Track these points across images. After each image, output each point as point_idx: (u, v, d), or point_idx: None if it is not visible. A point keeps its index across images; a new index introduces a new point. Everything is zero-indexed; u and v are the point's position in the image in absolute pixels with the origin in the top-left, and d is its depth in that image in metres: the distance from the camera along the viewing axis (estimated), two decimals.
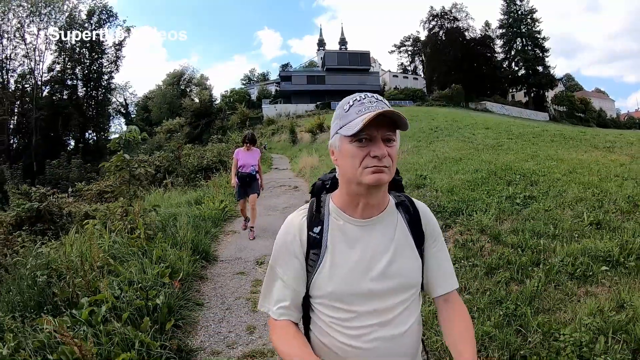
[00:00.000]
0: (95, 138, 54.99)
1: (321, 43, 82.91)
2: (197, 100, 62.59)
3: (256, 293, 4.35)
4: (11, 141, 46.66)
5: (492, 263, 4.07)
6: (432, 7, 67.26)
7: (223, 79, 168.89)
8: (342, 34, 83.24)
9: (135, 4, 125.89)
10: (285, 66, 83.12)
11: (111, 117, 61.17)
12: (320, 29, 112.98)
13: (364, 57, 66.26)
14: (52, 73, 50.30)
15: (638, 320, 2.96)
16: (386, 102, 1.11)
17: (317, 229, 1.18)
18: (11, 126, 47.06)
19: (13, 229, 7.22)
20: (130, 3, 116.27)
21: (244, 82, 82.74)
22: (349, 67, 64.03)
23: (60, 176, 27.54)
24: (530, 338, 2.91)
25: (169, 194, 9.63)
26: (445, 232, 5.22)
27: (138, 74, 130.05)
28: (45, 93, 49.93)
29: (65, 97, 51.69)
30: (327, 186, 1.30)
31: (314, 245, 1.17)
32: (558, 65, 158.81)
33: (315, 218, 1.20)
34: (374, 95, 1.12)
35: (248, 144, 6.94)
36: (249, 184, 6.87)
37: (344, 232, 1.17)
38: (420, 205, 1.29)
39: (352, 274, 1.14)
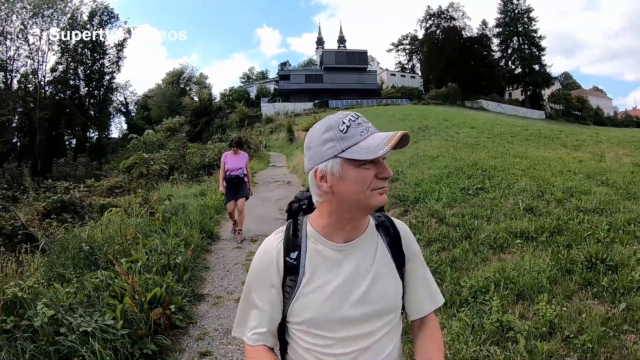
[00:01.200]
0: (97, 136, 56.01)
1: (320, 41, 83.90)
2: (196, 99, 63.50)
3: (250, 261, 5.54)
4: (14, 140, 47.79)
5: (432, 237, 5.24)
6: (429, 7, 68.33)
7: (222, 77, 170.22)
8: (341, 32, 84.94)
9: (135, 3, 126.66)
10: (284, 65, 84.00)
11: (112, 116, 62.30)
12: (319, 27, 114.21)
13: (361, 56, 67.19)
14: (55, 73, 51.42)
15: (525, 274, 4.08)
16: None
17: (294, 255, 1.15)
18: (14, 125, 48.14)
19: (43, 217, 8.41)
20: (130, 2, 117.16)
21: (243, 80, 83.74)
22: (346, 66, 64.97)
23: (67, 174, 28.55)
24: (444, 285, 4.06)
25: (176, 187, 10.83)
26: (404, 216, 6.39)
27: (138, 73, 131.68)
28: (48, 93, 51.02)
29: (67, 97, 52.79)
30: (304, 207, 1.26)
31: (291, 271, 1.14)
32: (557, 63, 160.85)
33: (292, 242, 1.17)
34: (359, 114, 1.10)
35: (235, 148, 6.93)
36: (237, 187, 6.82)
37: (322, 257, 1.14)
38: (400, 226, 1.27)
39: (331, 300, 1.12)
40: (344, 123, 1.06)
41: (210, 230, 6.74)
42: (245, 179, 6.92)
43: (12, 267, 3.75)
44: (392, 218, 1.28)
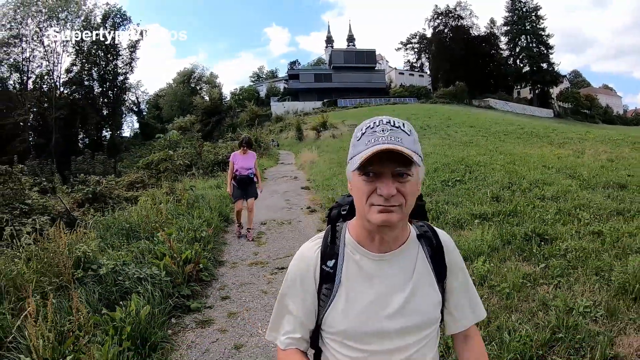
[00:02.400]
0: (110, 135, 57.46)
1: (329, 40, 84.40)
2: (207, 98, 64.37)
3: (260, 237, 6.81)
4: (30, 139, 49.34)
5: None
6: (436, 6, 69.03)
7: (231, 76, 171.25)
8: (350, 30, 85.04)
9: (140, 2, 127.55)
10: (293, 64, 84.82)
11: (124, 115, 63.64)
12: (328, 26, 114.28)
13: (370, 56, 68.03)
14: (70, 74, 52.99)
15: (471, 242, 5.14)
16: (405, 127, 1.01)
17: (330, 263, 1.11)
18: (29, 124, 49.69)
19: (78, 206, 9.69)
20: (134, 1, 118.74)
21: (253, 79, 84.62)
22: (355, 65, 65.87)
23: (86, 171, 29.89)
24: None
25: (195, 181, 12.11)
26: None
27: (148, 72, 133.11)
28: (63, 94, 52.60)
29: (81, 97, 54.29)
30: (344, 213, 1.20)
31: (327, 280, 1.11)
32: (566, 61, 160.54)
33: (330, 250, 1.13)
34: (390, 120, 1.01)
35: (245, 147, 6.97)
36: (247, 186, 6.89)
37: (359, 267, 1.10)
38: (444, 237, 1.19)
39: (367, 312, 1.07)
40: (361, 130, 1.03)
41: (227, 215, 7.95)
42: (255, 179, 7.01)
43: (80, 231, 4.92)
44: (436, 228, 1.21)
